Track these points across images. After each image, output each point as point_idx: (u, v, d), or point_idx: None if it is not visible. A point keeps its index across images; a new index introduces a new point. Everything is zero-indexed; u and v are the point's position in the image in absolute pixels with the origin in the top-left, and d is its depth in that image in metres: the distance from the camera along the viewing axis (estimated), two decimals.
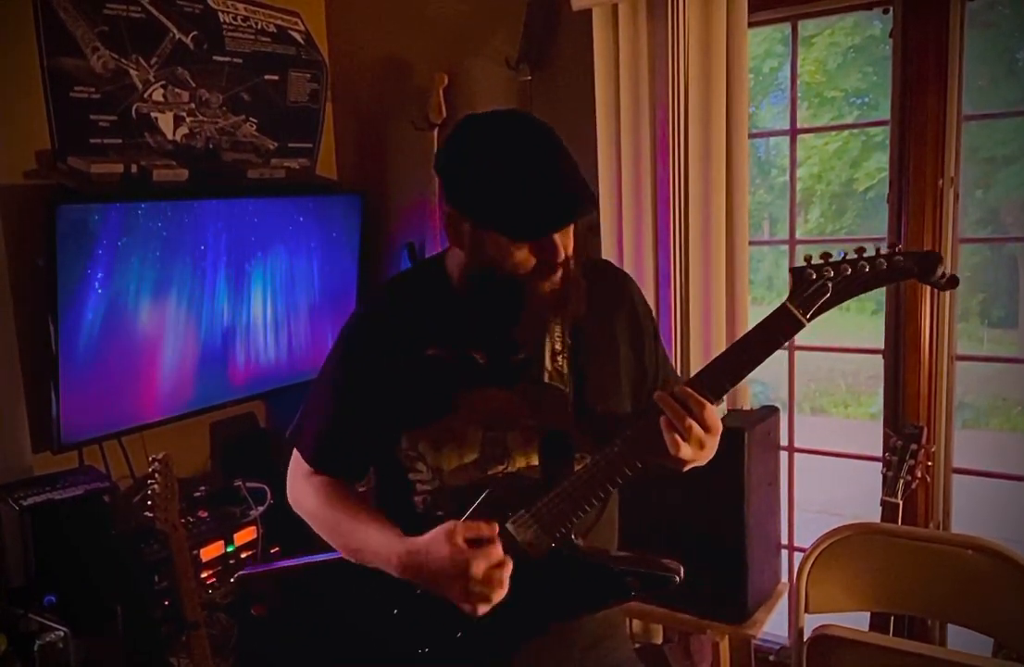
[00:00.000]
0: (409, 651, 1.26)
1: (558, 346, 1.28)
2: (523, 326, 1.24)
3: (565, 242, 1.18)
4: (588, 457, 1.23)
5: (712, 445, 1.18)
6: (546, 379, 1.27)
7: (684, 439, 1.14)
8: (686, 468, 1.21)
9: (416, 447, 1.28)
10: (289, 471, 1.41)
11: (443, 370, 1.26)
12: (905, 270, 1.11)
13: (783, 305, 1.13)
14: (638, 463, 1.18)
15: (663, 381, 1.39)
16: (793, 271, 1.14)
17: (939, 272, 1.11)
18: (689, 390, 1.14)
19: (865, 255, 1.11)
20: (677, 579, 1.20)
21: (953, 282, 1.13)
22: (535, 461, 1.27)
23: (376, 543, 1.23)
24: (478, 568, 1.12)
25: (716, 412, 1.17)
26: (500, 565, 1.13)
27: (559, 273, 1.20)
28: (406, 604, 1.26)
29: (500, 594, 1.13)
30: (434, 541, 1.16)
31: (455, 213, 1.20)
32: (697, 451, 1.16)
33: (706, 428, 1.14)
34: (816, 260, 1.13)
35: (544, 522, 1.21)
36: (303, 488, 1.37)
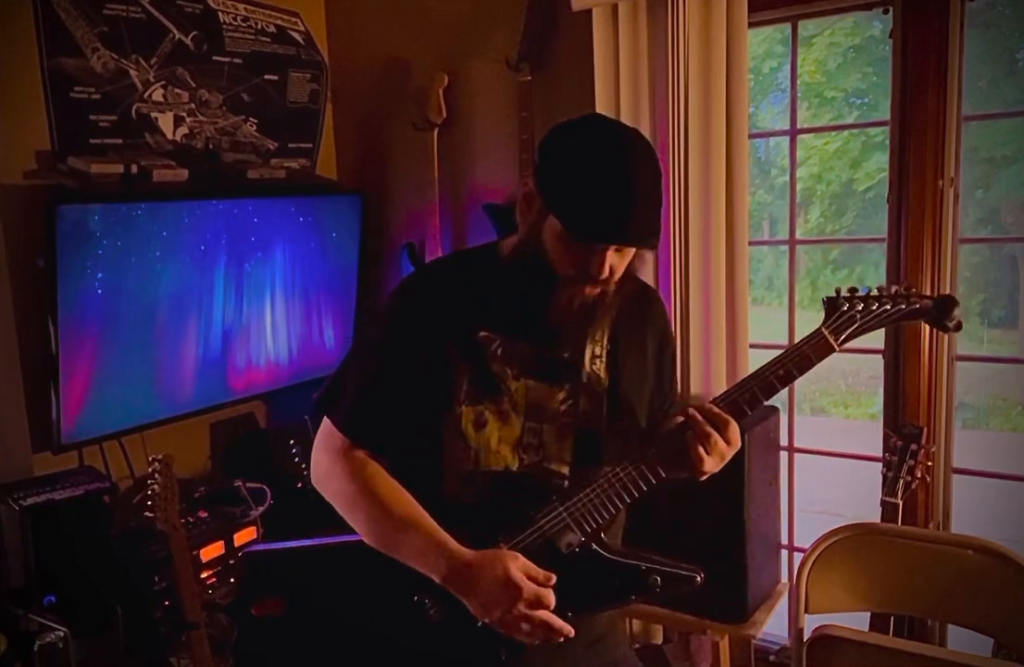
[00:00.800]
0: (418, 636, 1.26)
1: (598, 350, 1.33)
2: (548, 320, 1.27)
3: (615, 263, 1.21)
4: (613, 460, 1.28)
5: (728, 458, 1.27)
6: (584, 380, 1.32)
7: (707, 452, 1.23)
8: (703, 478, 1.29)
9: (459, 423, 1.28)
10: (315, 446, 1.35)
11: (492, 351, 1.28)
12: (923, 312, 1.28)
13: (818, 330, 1.27)
14: (661, 471, 1.27)
15: (669, 403, 1.46)
16: (826, 300, 1.28)
17: (955, 313, 1.26)
18: (715, 409, 1.25)
19: (887, 294, 1.27)
20: (699, 579, 1.26)
21: (959, 327, 1.29)
22: (567, 457, 1.31)
23: (422, 545, 1.22)
24: (528, 603, 1.16)
25: (738, 429, 1.25)
26: (545, 607, 1.17)
27: (595, 289, 1.23)
28: (425, 590, 1.25)
29: (537, 634, 1.18)
30: (491, 561, 1.19)
31: (534, 189, 1.23)
32: (718, 463, 1.26)
33: (728, 442, 1.24)
34: (845, 292, 1.27)
35: (576, 517, 1.26)
36: (333, 468, 1.31)
